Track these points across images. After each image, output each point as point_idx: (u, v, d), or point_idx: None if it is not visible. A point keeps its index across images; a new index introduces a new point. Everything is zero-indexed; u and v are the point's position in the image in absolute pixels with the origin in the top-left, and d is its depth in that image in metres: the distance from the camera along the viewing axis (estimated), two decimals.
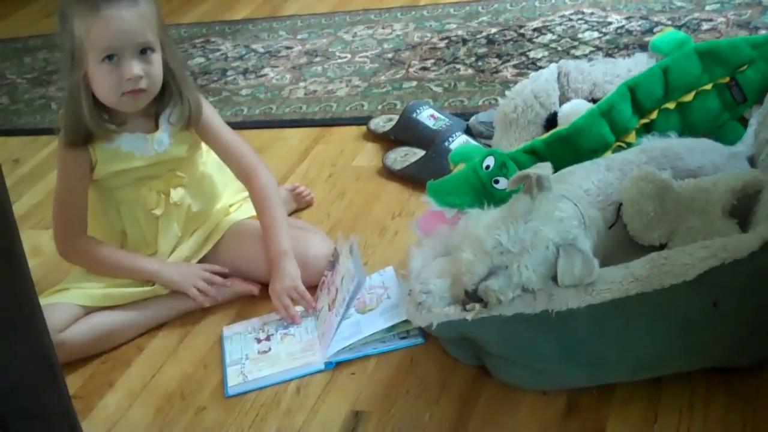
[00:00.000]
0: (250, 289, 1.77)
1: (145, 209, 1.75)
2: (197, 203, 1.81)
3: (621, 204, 1.47)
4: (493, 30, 2.70)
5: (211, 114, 1.79)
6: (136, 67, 1.59)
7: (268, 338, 1.65)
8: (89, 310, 1.70)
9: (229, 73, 2.90)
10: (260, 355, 1.62)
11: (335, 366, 1.56)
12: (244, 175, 1.80)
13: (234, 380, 1.58)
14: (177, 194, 1.76)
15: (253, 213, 1.84)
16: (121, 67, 1.59)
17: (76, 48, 1.59)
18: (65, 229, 1.75)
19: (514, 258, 1.28)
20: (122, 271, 1.75)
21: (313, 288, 1.71)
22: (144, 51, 1.61)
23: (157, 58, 1.63)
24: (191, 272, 1.75)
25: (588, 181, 1.49)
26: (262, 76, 2.81)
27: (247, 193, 1.85)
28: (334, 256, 1.67)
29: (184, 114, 1.71)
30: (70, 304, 1.68)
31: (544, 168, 1.37)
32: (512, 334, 1.33)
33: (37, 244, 2.11)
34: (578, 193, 1.46)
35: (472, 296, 1.33)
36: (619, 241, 1.47)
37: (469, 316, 1.33)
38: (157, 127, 1.72)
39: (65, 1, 1.61)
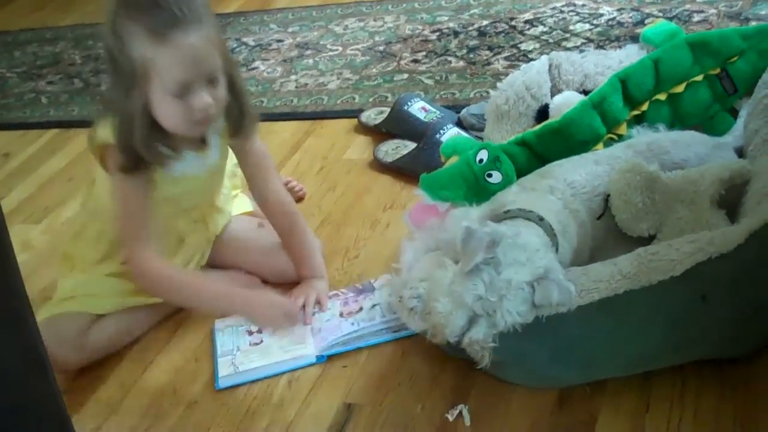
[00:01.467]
0: (253, 279, 1.75)
1: (176, 234, 1.72)
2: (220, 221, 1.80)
3: (609, 195, 1.47)
4: (485, 22, 2.70)
5: (260, 143, 1.74)
6: (206, 98, 1.48)
7: (259, 330, 1.65)
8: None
9: None
10: (251, 347, 1.61)
11: (327, 359, 1.56)
12: (284, 219, 1.74)
13: (225, 371, 1.58)
14: (214, 226, 1.76)
15: (246, 209, 1.85)
16: (191, 98, 1.47)
17: (137, 73, 1.45)
18: (136, 245, 1.60)
19: (495, 306, 1.26)
20: (202, 298, 1.63)
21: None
22: (212, 78, 1.50)
23: (222, 81, 1.53)
24: (278, 304, 1.62)
25: (575, 173, 1.49)
26: (253, 69, 2.80)
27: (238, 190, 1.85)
28: (364, 286, 1.69)
29: (243, 127, 1.63)
30: (84, 313, 1.65)
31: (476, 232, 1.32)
32: (503, 343, 1.31)
33: (27, 238, 2.11)
34: (561, 187, 1.46)
35: (455, 347, 1.32)
36: (608, 232, 1.47)
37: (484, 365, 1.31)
38: (205, 144, 1.64)
39: (117, 16, 1.45)
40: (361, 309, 1.63)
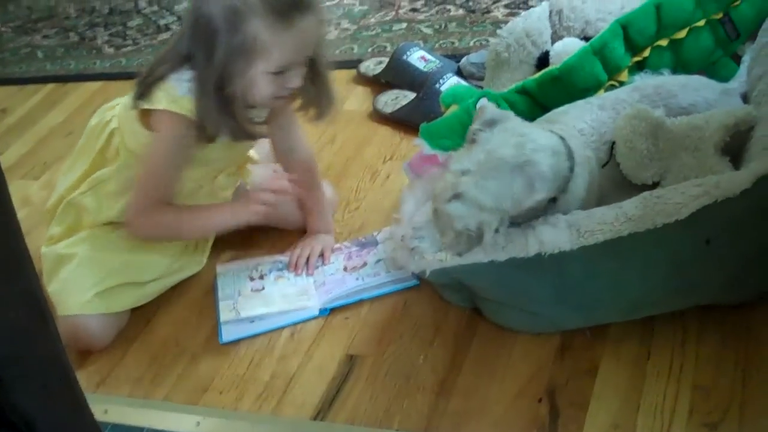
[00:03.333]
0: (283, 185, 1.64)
1: (212, 191, 1.71)
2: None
3: (614, 143, 1.46)
4: None
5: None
6: (299, 79, 1.50)
7: (261, 277, 1.65)
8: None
9: None
10: (253, 293, 1.62)
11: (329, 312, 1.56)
12: (305, 174, 1.71)
13: (226, 315, 1.58)
14: (245, 176, 1.76)
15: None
16: (285, 77, 1.48)
17: (248, 52, 1.42)
18: (149, 205, 1.56)
19: (471, 175, 1.26)
20: (195, 228, 1.64)
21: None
22: (307, 60, 1.51)
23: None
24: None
25: (581, 121, 1.48)
26: None
27: None
28: (367, 239, 1.69)
29: (319, 108, 1.60)
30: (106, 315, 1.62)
31: (488, 108, 1.35)
32: (506, 279, 1.33)
33: (27, 194, 2.10)
34: (572, 132, 1.45)
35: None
36: (613, 179, 1.46)
37: (447, 261, 1.32)
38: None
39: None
40: (365, 264, 1.63)
